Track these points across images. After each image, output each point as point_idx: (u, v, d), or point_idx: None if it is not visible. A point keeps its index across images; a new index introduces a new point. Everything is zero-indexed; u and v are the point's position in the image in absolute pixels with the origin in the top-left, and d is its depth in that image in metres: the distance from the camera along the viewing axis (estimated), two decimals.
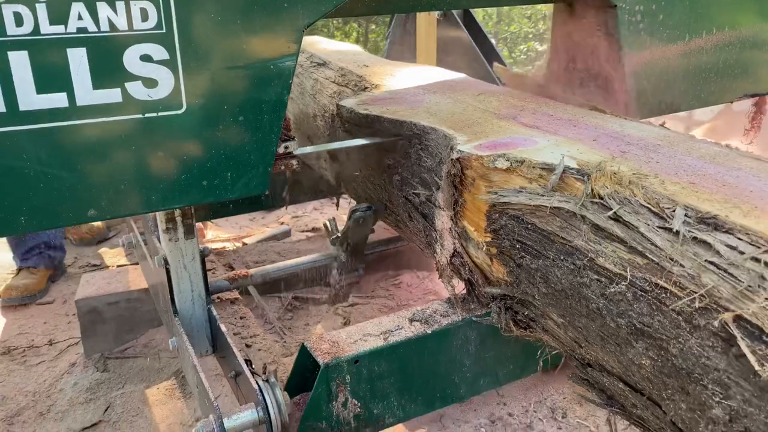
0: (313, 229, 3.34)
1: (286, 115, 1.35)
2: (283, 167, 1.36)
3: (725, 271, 0.78)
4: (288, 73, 1.19)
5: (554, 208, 1.06)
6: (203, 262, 1.51)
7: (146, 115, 1.11)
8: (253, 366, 1.37)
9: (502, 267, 1.24)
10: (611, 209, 0.96)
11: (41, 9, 0.98)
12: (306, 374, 1.31)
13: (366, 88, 1.95)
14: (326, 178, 2.17)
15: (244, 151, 1.21)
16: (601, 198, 0.98)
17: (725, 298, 0.77)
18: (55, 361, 2.16)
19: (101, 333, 2.12)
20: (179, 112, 1.13)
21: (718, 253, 0.80)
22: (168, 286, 1.48)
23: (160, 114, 1.12)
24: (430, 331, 1.35)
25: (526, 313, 1.22)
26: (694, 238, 0.83)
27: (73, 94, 1.04)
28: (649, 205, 0.92)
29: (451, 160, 1.31)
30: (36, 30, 0.99)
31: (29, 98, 1.01)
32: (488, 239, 1.24)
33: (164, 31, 1.07)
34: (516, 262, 1.18)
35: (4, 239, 2.79)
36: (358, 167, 1.79)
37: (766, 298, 0.73)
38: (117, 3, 1.03)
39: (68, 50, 1.02)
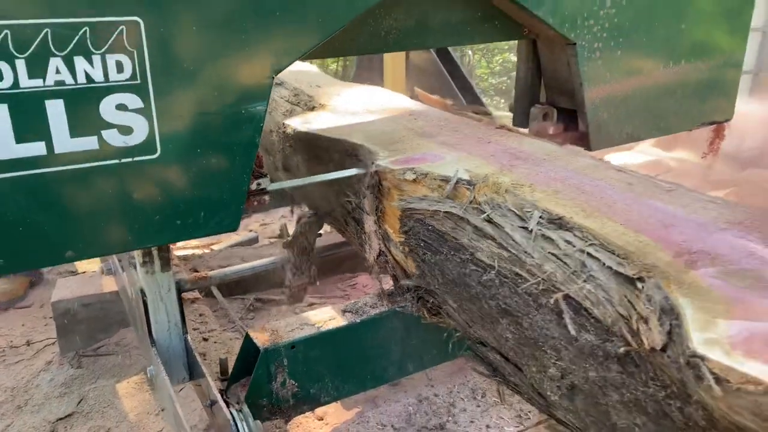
0: (279, 236, 3.45)
1: (258, 153, 1.41)
2: (256, 202, 1.42)
3: (561, 260, 1.00)
4: (259, 117, 1.25)
5: (447, 212, 1.27)
6: (179, 294, 1.56)
7: (122, 160, 1.16)
8: (227, 397, 1.42)
9: (412, 262, 1.43)
10: (485, 213, 1.17)
11: (20, 64, 1.03)
12: (249, 359, 1.43)
13: (314, 107, 2.07)
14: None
15: (217, 192, 1.27)
16: (479, 204, 1.20)
17: (559, 281, 0.99)
18: (33, 359, 2.26)
19: (76, 332, 2.22)
20: (154, 156, 1.18)
21: (558, 246, 1.02)
22: (145, 316, 1.53)
23: (135, 159, 1.17)
24: (359, 321, 1.52)
25: (432, 301, 1.43)
26: (543, 235, 1.06)
27: (52, 142, 1.09)
28: (515, 209, 1.13)
29: (371, 172, 1.48)
30: (15, 84, 1.04)
31: (9, 148, 1.06)
32: (402, 239, 1.43)
33: (139, 81, 1.13)
34: (421, 257, 1.37)
35: None
36: None
37: (584, 281, 0.95)
38: (93, 57, 1.08)
39: (46, 102, 1.07)
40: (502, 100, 8.24)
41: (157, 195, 1.22)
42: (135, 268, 1.59)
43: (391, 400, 1.93)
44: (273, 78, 1.26)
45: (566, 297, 0.97)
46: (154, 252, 1.50)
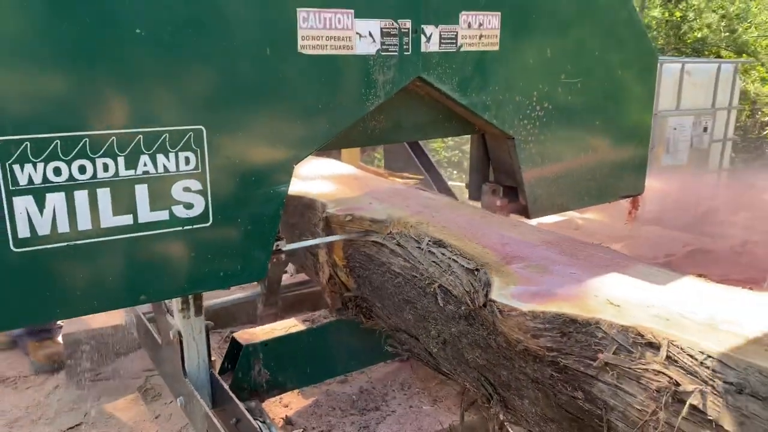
0: None
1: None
2: (274, 259, 1.84)
3: (438, 264, 1.68)
4: (282, 194, 1.70)
5: (373, 241, 1.94)
6: (208, 335, 1.94)
7: (185, 227, 1.58)
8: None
9: (352, 279, 2.08)
10: (396, 240, 1.85)
11: (120, 160, 1.47)
12: (234, 355, 2.04)
13: None
14: None
15: (250, 250, 1.69)
16: (393, 235, 1.87)
17: (436, 276, 1.67)
18: (42, 385, 2.69)
19: (81, 360, 2.71)
20: (207, 224, 1.61)
21: (437, 256, 1.69)
22: (180, 353, 1.90)
23: (194, 226, 1.59)
24: (315, 327, 2.17)
25: (365, 306, 2.08)
26: (430, 251, 1.72)
27: (137, 215, 1.51)
28: (415, 237, 1.80)
29: (323, 217, 2.14)
30: (116, 173, 1.47)
31: (107, 219, 1.48)
32: (344, 263, 2.07)
33: (200, 170, 1.57)
34: (357, 274, 2.03)
35: None
36: None
37: (449, 274, 1.62)
38: (169, 154, 1.52)
39: (136, 186, 1.50)
40: (455, 171, 8.92)
41: (209, 253, 1.63)
42: (171, 313, 1.97)
43: (340, 391, 2.58)
44: (294, 166, 1.72)
45: (440, 286, 1.66)
46: (191, 300, 1.89)
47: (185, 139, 1.54)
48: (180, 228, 1.58)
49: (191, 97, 1.53)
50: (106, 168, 1.46)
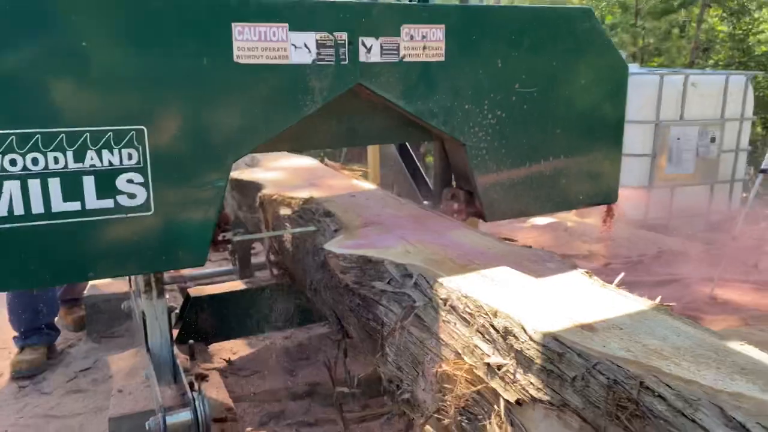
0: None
1: (227, 214, 2.05)
2: (221, 249, 2.04)
3: (320, 229, 2.26)
4: (220, 189, 1.89)
5: (296, 212, 2.49)
6: (170, 317, 2.16)
7: (128, 215, 1.80)
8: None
9: (279, 248, 2.72)
10: (299, 213, 2.43)
11: (69, 154, 1.71)
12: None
13: (254, 166, 3.42)
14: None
15: (190, 239, 1.89)
16: (303, 209, 2.42)
17: (318, 236, 2.23)
18: (67, 340, 3.46)
19: (99, 320, 3.38)
20: (149, 213, 1.83)
21: (321, 223, 2.28)
22: (144, 332, 2.13)
23: (137, 214, 1.81)
24: (253, 287, 2.94)
25: (289, 270, 2.72)
26: (318, 220, 2.29)
27: (84, 202, 1.75)
28: (313, 210, 2.35)
29: (259, 195, 2.76)
30: (65, 166, 1.71)
31: (58, 204, 1.72)
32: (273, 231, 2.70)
33: (142, 165, 1.79)
34: (281, 245, 2.63)
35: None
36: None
37: (322, 236, 2.17)
38: (114, 150, 1.75)
39: (83, 177, 1.74)
40: None
41: (150, 239, 1.85)
42: (139, 295, 2.21)
43: (280, 344, 3.25)
44: (232, 163, 1.91)
45: (314, 244, 2.21)
46: (153, 284, 2.11)
47: (128, 137, 1.76)
48: (124, 215, 1.80)
49: (134, 101, 1.76)
50: (56, 161, 1.70)
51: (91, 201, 1.76)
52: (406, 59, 2.08)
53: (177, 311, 2.68)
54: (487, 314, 1.34)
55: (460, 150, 2.30)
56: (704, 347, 1.12)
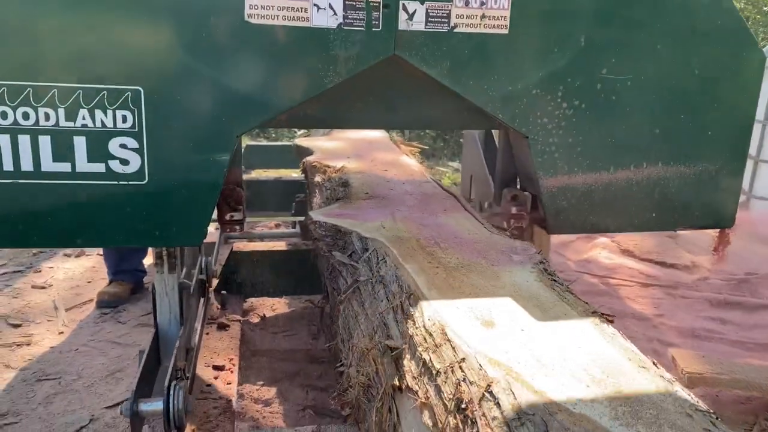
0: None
1: (240, 192, 1.85)
2: (228, 230, 1.85)
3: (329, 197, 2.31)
4: (222, 163, 1.69)
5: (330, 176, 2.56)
6: (181, 293, 2.02)
7: (120, 182, 1.66)
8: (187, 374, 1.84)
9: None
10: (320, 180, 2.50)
11: (61, 111, 1.59)
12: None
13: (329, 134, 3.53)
14: None
15: (187, 215, 1.72)
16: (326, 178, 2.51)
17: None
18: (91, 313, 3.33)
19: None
20: (143, 182, 1.67)
21: (337, 192, 2.27)
22: (153, 306, 2.01)
23: (129, 182, 1.67)
24: (293, 249, 3.08)
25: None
26: (334, 188, 2.27)
27: (75, 163, 1.63)
28: (335, 179, 2.41)
29: (303, 161, 2.91)
30: (56, 123, 1.60)
31: (48, 164, 1.62)
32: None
33: (137, 129, 1.63)
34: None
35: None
36: None
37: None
38: (107, 110, 1.61)
39: (74, 137, 1.61)
40: None
41: (143, 210, 1.70)
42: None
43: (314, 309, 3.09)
44: (239, 136, 1.70)
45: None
46: (164, 257, 1.98)
47: (123, 98, 1.61)
48: (116, 182, 1.66)
49: (130, 58, 1.59)
50: (47, 117, 1.59)
51: (82, 164, 1.63)
52: (458, 29, 1.73)
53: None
54: (402, 294, 1.38)
55: (524, 144, 1.91)
56: (597, 364, 1.02)
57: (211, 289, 2.64)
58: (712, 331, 3.16)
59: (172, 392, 1.69)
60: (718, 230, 2.15)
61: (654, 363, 1.06)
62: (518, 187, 2.11)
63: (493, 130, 2.66)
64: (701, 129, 1.97)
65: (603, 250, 4.11)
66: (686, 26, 1.86)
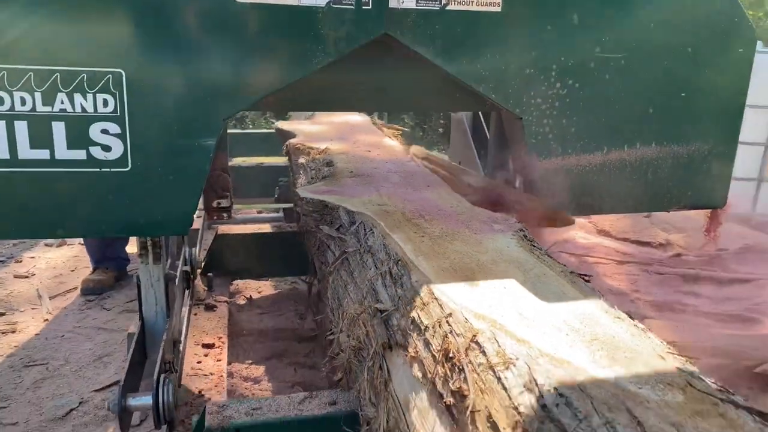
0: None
1: (227, 178, 1.79)
2: (216, 216, 1.79)
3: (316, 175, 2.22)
4: (208, 149, 1.63)
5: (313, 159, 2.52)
6: (167, 284, 1.96)
7: (102, 169, 1.59)
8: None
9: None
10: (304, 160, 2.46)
11: (37, 95, 1.51)
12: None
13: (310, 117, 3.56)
14: None
15: (172, 203, 1.65)
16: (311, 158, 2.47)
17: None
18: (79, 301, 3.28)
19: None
20: (126, 170, 1.61)
21: (322, 171, 2.22)
22: (138, 297, 1.95)
23: (112, 170, 1.60)
24: (277, 231, 3.11)
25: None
26: (318, 168, 2.22)
27: (54, 150, 1.56)
28: (318, 158, 2.39)
29: (286, 144, 2.83)
30: (33, 108, 1.52)
31: (25, 151, 1.54)
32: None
33: (118, 114, 1.56)
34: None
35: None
36: None
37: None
38: (87, 94, 1.54)
39: (53, 123, 1.54)
40: None
41: (127, 199, 1.63)
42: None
43: (303, 288, 3.18)
44: (225, 120, 1.64)
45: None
46: (149, 247, 1.91)
47: (103, 81, 1.54)
48: (97, 169, 1.59)
49: (111, 38, 1.52)
50: (23, 102, 1.51)
51: (62, 150, 1.56)
52: (450, 7, 1.69)
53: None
54: (390, 261, 1.40)
55: (517, 125, 1.88)
56: (576, 316, 1.07)
57: (196, 281, 2.59)
58: (686, 304, 3.22)
59: (161, 385, 1.63)
60: (709, 211, 2.13)
61: (629, 315, 1.11)
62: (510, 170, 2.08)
63: (482, 115, 2.63)
64: (694, 109, 1.96)
65: (580, 231, 4.16)
66: (680, 5, 1.84)
